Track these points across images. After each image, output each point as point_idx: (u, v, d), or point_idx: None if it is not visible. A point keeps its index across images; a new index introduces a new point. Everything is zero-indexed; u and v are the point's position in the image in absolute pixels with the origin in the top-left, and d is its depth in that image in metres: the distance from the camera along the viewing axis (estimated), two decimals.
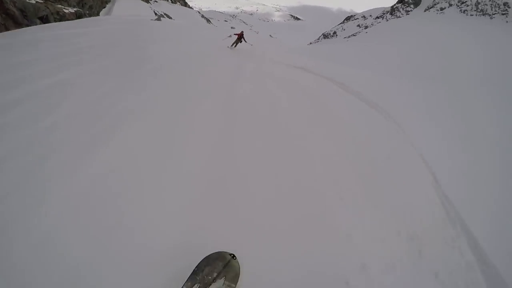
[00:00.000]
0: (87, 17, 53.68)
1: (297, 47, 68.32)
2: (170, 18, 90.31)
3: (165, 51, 21.43)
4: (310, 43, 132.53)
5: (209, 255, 6.24)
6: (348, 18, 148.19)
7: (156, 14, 79.77)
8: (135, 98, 12.02)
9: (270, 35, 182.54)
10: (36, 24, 38.44)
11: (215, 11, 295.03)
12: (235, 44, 33.18)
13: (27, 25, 35.20)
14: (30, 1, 38.14)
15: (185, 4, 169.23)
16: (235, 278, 6.16)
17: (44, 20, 40.72)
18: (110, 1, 79.94)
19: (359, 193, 10.13)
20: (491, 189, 13.49)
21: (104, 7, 77.59)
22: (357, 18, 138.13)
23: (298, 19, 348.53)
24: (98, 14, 69.84)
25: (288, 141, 11.69)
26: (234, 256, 6.37)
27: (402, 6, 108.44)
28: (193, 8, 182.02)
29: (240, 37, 32.93)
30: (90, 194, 7.38)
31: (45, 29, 24.91)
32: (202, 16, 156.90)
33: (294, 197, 8.89)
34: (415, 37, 61.12)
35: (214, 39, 36.41)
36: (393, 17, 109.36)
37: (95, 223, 6.77)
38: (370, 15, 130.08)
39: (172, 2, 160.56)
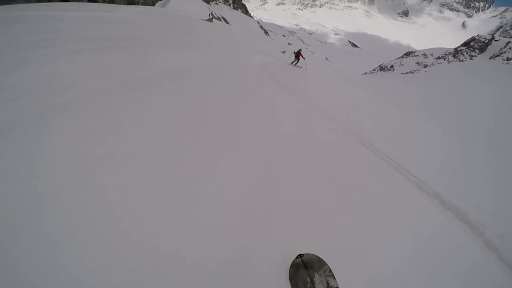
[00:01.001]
0: (139, 4, 53.67)
1: (352, 76, 67.15)
2: (227, 22, 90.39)
3: (195, 57, 19.40)
4: (365, 73, 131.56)
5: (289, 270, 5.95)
6: (407, 54, 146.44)
7: (210, 15, 79.84)
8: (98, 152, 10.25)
9: (326, 58, 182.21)
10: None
11: (275, 24, 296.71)
12: (296, 61, 33.52)
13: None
14: None
15: (246, 13, 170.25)
16: (321, 265, 5.95)
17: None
18: None
19: None
20: None
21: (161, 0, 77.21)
22: (417, 55, 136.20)
23: (355, 46, 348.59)
24: (153, 5, 69.47)
25: None
26: (301, 255, 6.10)
27: (467, 49, 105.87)
28: (253, 18, 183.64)
29: (298, 55, 33.12)
30: None
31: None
32: (261, 26, 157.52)
33: None
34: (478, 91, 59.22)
35: (267, 52, 36.29)
36: (455, 59, 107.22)
37: None
38: (432, 54, 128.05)
39: (233, 8, 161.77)
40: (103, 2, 41.11)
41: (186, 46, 21.97)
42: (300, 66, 33.11)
